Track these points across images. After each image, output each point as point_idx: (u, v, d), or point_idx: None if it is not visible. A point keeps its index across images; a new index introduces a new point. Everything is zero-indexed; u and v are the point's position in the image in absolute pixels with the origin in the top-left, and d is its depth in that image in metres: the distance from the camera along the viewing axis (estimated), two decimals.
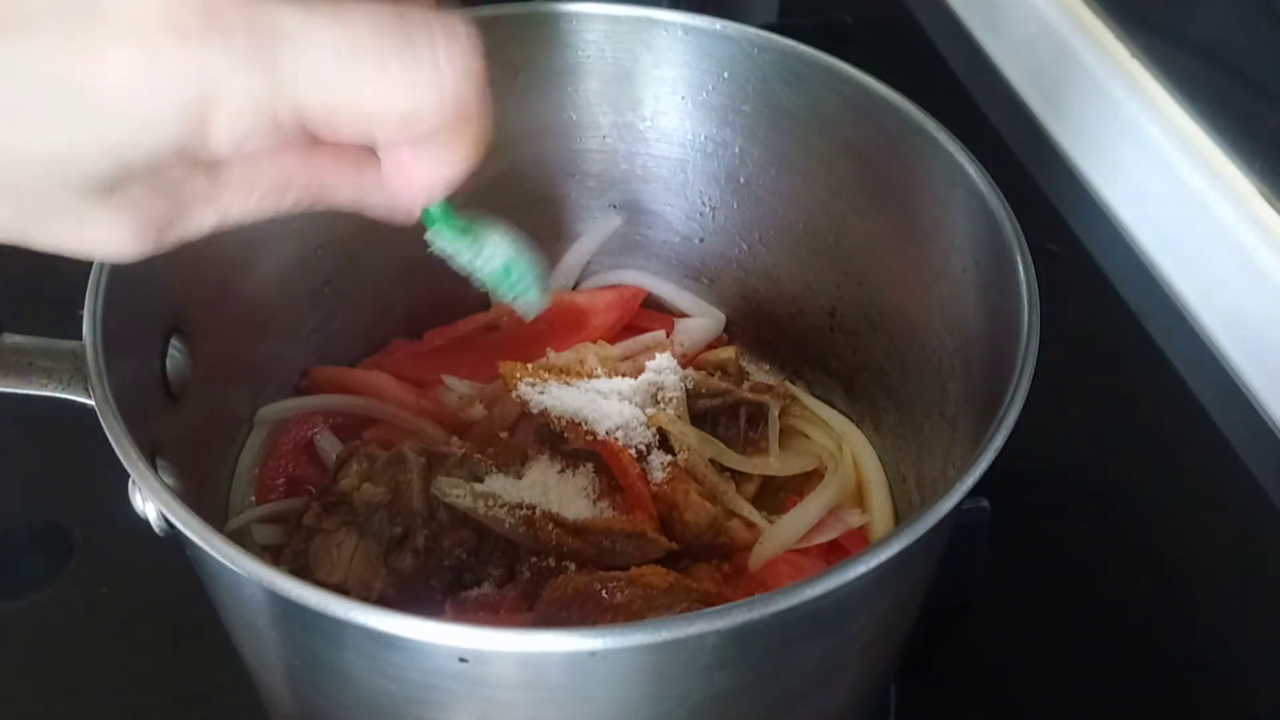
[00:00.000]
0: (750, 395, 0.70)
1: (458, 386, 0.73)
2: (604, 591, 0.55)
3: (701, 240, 0.76)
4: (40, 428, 0.72)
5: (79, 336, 0.51)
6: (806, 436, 0.72)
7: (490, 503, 0.60)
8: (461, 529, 0.61)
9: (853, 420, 0.73)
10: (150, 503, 0.51)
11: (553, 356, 0.71)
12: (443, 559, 0.61)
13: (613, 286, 0.79)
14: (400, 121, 0.38)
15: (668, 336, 0.77)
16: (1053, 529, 0.74)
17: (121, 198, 0.36)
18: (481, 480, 0.62)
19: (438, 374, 0.74)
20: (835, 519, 0.66)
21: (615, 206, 0.77)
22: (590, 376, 0.68)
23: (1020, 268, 0.53)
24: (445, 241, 0.47)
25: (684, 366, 0.71)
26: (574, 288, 0.80)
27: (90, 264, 0.52)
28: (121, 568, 0.71)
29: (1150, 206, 0.93)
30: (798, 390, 0.75)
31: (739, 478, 0.67)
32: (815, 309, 0.73)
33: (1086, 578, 0.73)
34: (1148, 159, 0.92)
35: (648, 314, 0.79)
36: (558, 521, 0.60)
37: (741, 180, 0.72)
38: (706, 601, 0.57)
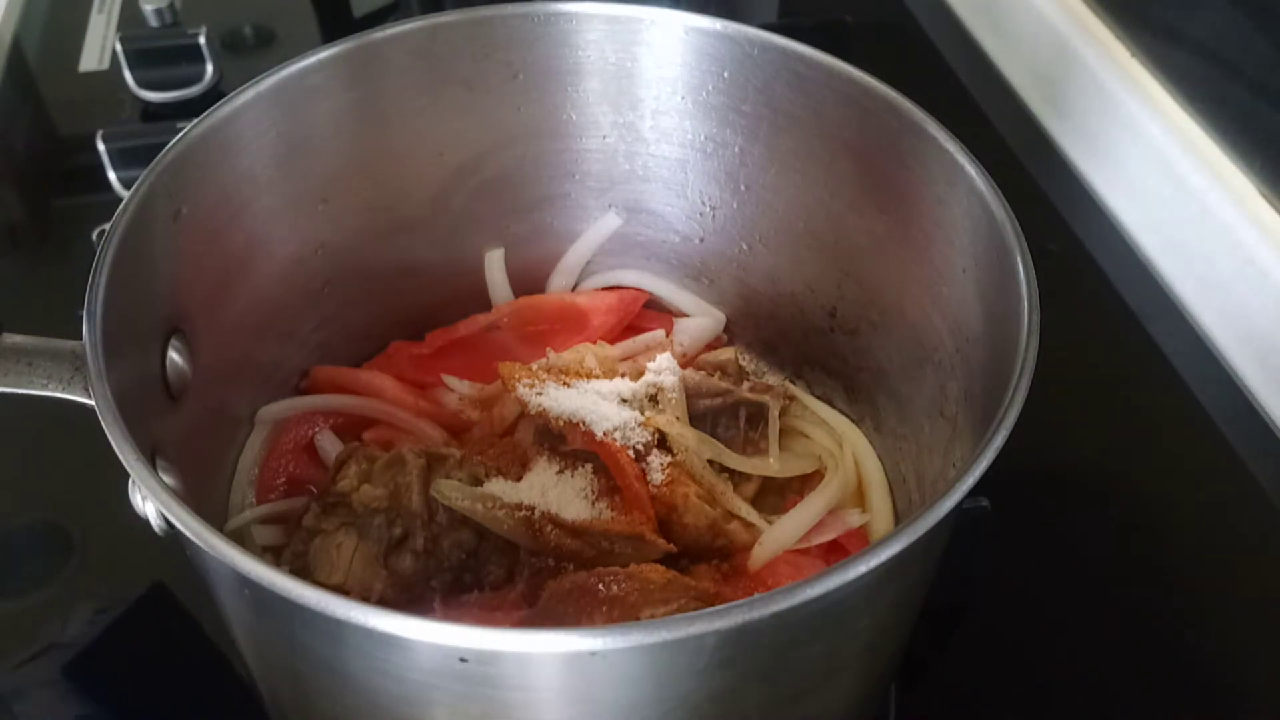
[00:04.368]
0: (750, 395, 0.70)
1: (458, 387, 0.73)
2: (600, 585, 0.55)
3: (701, 240, 0.76)
4: (40, 428, 0.73)
5: (79, 336, 0.50)
6: (806, 437, 0.72)
7: (489, 504, 0.60)
8: (461, 530, 0.61)
9: (853, 420, 0.73)
10: (150, 503, 0.52)
11: (553, 357, 0.71)
12: (442, 560, 0.61)
13: (614, 288, 0.79)
14: None
15: (668, 336, 0.77)
16: (1053, 529, 0.74)
17: None
18: (481, 482, 0.62)
19: (438, 375, 0.74)
20: (835, 519, 0.66)
21: (615, 206, 0.77)
22: (590, 377, 0.68)
23: (1020, 268, 0.53)
24: None
25: (684, 366, 0.71)
26: (574, 288, 0.80)
27: (90, 264, 0.52)
28: (121, 568, 0.71)
29: (1150, 206, 0.93)
30: (798, 390, 0.75)
31: (738, 478, 0.67)
32: (815, 309, 0.73)
33: (1086, 578, 0.73)
34: (1148, 159, 0.92)
35: (648, 314, 0.79)
36: (556, 523, 0.60)
37: (741, 180, 0.72)
38: (705, 599, 0.57)
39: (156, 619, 0.70)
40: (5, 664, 0.68)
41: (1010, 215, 0.55)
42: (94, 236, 0.91)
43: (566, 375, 0.68)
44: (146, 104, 1.06)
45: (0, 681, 0.67)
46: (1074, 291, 0.89)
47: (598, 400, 0.65)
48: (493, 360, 0.69)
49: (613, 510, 0.62)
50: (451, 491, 0.60)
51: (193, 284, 0.61)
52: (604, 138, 0.73)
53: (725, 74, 0.68)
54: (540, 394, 0.65)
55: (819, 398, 0.75)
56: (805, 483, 0.69)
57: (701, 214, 0.75)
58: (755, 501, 0.67)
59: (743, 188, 0.72)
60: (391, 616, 0.40)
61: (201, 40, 1.05)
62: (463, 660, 0.42)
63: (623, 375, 0.69)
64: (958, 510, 0.45)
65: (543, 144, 0.73)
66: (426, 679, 0.44)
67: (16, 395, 0.52)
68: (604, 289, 0.79)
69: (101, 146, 0.95)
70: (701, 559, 0.64)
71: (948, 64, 1.12)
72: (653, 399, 0.67)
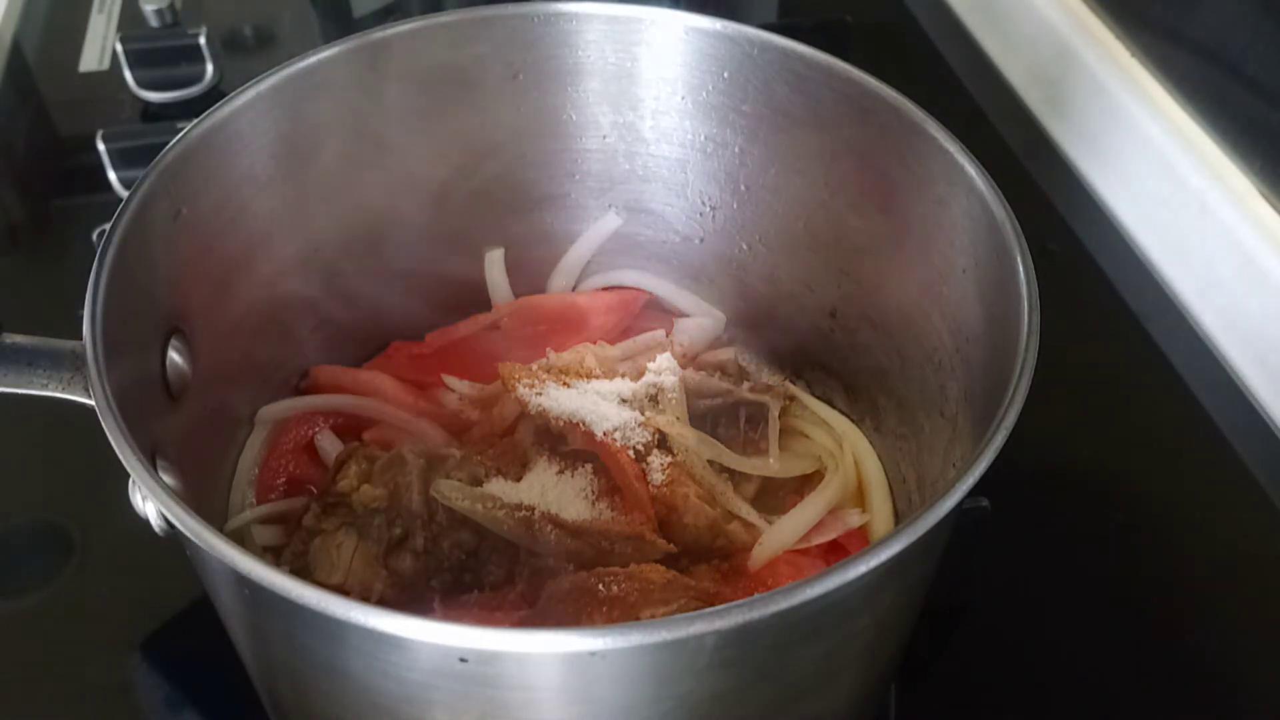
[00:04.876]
0: (750, 395, 0.70)
1: (458, 387, 0.73)
2: (600, 585, 0.55)
3: (701, 240, 0.76)
4: (40, 428, 0.73)
5: (79, 336, 0.50)
6: (807, 437, 0.72)
7: (489, 504, 0.60)
8: (461, 530, 0.61)
9: (853, 420, 0.73)
10: (150, 503, 0.52)
11: (553, 357, 0.71)
12: (442, 560, 0.61)
13: (613, 288, 0.79)
14: None
15: (668, 336, 0.77)
16: (1053, 529, 0.74)
17: None
18: (481, 482, 0.62)
19: (438, 375, 0.74)
20: (835, 519, 0.66)
21: (615, 206, 0.77)
22: (590, 377, 0.68)
23: (1020, 268, 0.53)
24: None
25: (684, 367, 0.71)
26: (574, 288, 0.80)
27: (90, 264, 0.52)
28: (121, 568, 0.71)
29: (1150, 206, 0.93)
30: (798, 390, 0.75)
31: (738, 478, 0.67)
32: (815, 309, 0.73)
33: (1086, 578, 0.73)
34: (1148, 159, 0.92)
35: (648, 314, 0.79)
36: (556, 523, 0.60)
37: (741, 180, 0.72)
38: (705, 599, 0.57)
39: (156, 619, 0.70)
40: (5, 664, 0.68)
41: (1010, 215, 0.55)
42: (94, 236, 0.91)
43: (566, 375, 0.68)
44: (146, 104, 1.06)
45: (0, 681, 0.67)
46: (1074, 291, 0.89)
47: (598, 400, 0.65)
48: (493, 360, 0.69)
49: (613, 510, 0.62)
50: (451, 491, 0.60)
51: (193, 284, 0.61)
52: (604, 138, 0.73)
53: (725, 74, 0.68)
54: (540, 394, 0.65)
55: (819, 398, 0.74)
56: (805, 483, 0.69)
57: (701, 214, 0.75)
58: (755, 501, 0.67)
59: (743, 188, 0.72)
60: (391, 616, 0.40)
61: (201, 40, 1.05)
62: (463, 660, 0.42)
63: (623, 375, 0.69)
64: (958, 510, 0.45)
65: (543, 144, 0.73)
66: (426, 679, 0.44)
67: (16, 395, 0.52)
68: (604, 289, 0.79)
69: (101, 146, 0.95)
70: (701, 559, 0.63)
71: (948, 64, 1.12)
72: (653, 399, 0.67)
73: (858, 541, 0.66)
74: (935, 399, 0.63)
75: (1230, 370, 0.84)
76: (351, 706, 0.49)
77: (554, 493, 0.62)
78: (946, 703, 0.68)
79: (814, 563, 0.65)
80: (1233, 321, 0.85)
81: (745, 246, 0.75)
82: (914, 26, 1.17)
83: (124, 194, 0.56)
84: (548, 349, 0.72)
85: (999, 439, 0.46)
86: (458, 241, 0.76)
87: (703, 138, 0.72)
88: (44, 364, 0.52)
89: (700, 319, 0.78)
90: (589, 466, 0.64)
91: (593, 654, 0.41)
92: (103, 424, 0.47)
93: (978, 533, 0.65)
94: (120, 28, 1.16)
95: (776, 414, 0.70)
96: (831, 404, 0.74)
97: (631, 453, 0.63)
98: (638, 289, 0.79)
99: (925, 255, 0.62)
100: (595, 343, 0.74)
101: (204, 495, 0.64)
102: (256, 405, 0.71)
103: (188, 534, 0.44)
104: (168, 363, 0.58)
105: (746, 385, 0.71)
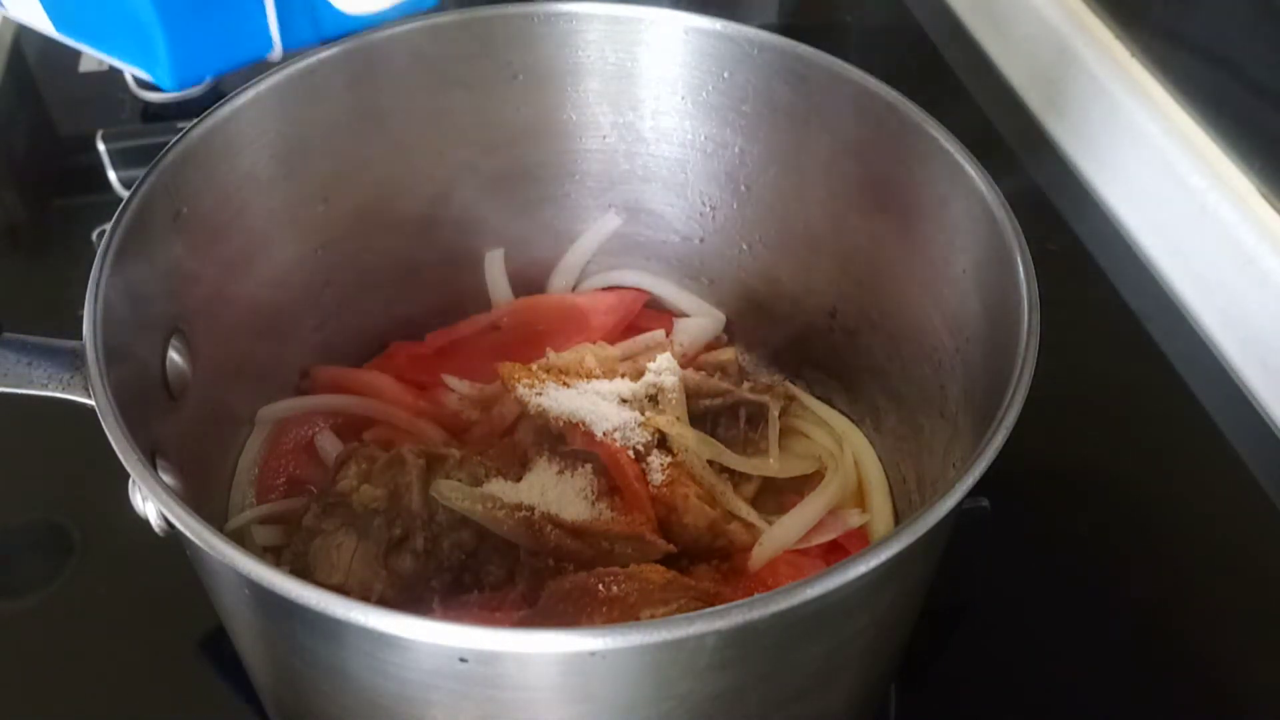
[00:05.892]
0: (750, 395, 0.70)
1: (458, 387, 0.73)
2: (600, 585, 0.55)
3: (701, 240, 0.76)
4: (40, 428, 0.72)
5: (79, 336, 0.50)
6: (807, 437, 0.72)
7: (489, 504, 0.60)
8: (461, 531, 0.61)
9: (853, 420, 0.73)
10: (150, 503, 0.52)
11: (553, 357, 0.71)
12: (442, 560, 0.61)
13: (614, 288, 0.79)
14: None
15: (667, 336, 0.77)
16: (1053, 529, 0.74)
17: None
18: (481, 482, 0.62)
19: (438, 375, 0.74)
20: (835, 519, 0.66)
21: (615, 206, 0.77)
22: (590, 377, 0.68)
23: (1020, 268, 0.53)
24: None
25: (684, 367, 0.71)
26: (574, 288, 0.80)
27: (90, 264, 0.52)
28: (121, 568, 0.71)
29: (1150, 206, 0.93)
30: (798, 390, 0.75)
31: (738, 478, 0.67)
32: (815, 309, 0.73)
33: (1086, 578, 0.73)
34: (1148, 159, 0.92)
35: (648, 314, 0.79)
36: (556, 523, 0.60)
37: (741, 180, 0.72)
38: (704, 599, 0.57)
39: (156, 619, 0.70)
40: (5, 664, 0.68)
41: (1010, 215, 0.55)
42: (94, 236, 0.91)
43: (566, 375, 0.68)
44: (146, 104, 1.06)
45: (0, 681, 0.67)
46: (1074, 291, 0.89)
47: (598, 400, 0.65)
48: (493, 360, 0.69)
49: (613, 510, 0.62)
50: (451, 492, 0.60)
51: (193, 284, 0.61)
52: (604, 138, 0.73)
53: (725, 74, 0.68)
54: (540, 394, 0.65)
55: (819, 398, 0.75)
56: (805, 483, 0.69)
57: (701, 214, 0.75)
58: (755, 501, 0.67)
59: (743, 188, 0.72)
60: (391, 616, 0.40)
61: None
62: (463, 660, 0.42)
63: (623, 375, 0.69)
64: (958, 510, 0.45)
65: (543, 144, 0.73)
66: (426, 679, 0.44)
67: (16, 395, 0.52)
68: (604, 289, 0.80)
69: (101, 146, 0.95)
70: (701, 559, 0.64)
71: (948, 64, 1.12)
72: (653, 399, 0.67)
73: (858, 541, 0.66)
74: (935, 399, 0.63)
75: (1230, 370, 0.84)
76: (351, 707, 0.49)
77: (554, 493, 0.62)
78: (946, 703, 0.68)
79: (814, 563, 0.65)
80: (1233, 321, 0.85)
81: (745, 246, 0.75)
82: (914, 26, 1.17)
83: (124, 194, 0.56)
84: (548, 349, 0.72)
85: (999, 439, 0.46)
86: (458, 241, 0.76)
87: (703, 138, 0.72)
88: (44, 364, 0.52)
89: (700, 319, 0.78)
90: (589, 466, 0.64)
91: (593, 654, 0.41)
92: (103, 424, 0.47)
93: (978, 533, 0.65)
94: None
95: (776, 414, 0.70)
96: (831, 404, 0.74)
97: (631, 453, 0.63)
98: (638, 289, 0.79)
99: (925, 255, 0.62)
100: (595, 343, 0.74)
101: (204, 495, 0.64)
102: (256, 405, 0.71)
103: (188, 534, 0.44)
104: (168, 363, 0.58)
105: (746, 385, 0.71)
